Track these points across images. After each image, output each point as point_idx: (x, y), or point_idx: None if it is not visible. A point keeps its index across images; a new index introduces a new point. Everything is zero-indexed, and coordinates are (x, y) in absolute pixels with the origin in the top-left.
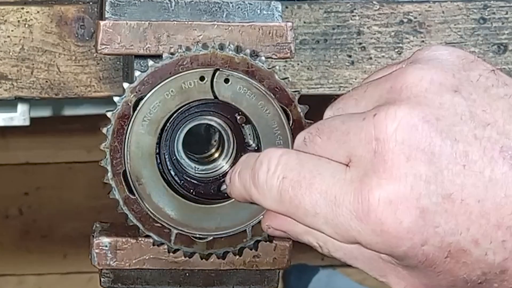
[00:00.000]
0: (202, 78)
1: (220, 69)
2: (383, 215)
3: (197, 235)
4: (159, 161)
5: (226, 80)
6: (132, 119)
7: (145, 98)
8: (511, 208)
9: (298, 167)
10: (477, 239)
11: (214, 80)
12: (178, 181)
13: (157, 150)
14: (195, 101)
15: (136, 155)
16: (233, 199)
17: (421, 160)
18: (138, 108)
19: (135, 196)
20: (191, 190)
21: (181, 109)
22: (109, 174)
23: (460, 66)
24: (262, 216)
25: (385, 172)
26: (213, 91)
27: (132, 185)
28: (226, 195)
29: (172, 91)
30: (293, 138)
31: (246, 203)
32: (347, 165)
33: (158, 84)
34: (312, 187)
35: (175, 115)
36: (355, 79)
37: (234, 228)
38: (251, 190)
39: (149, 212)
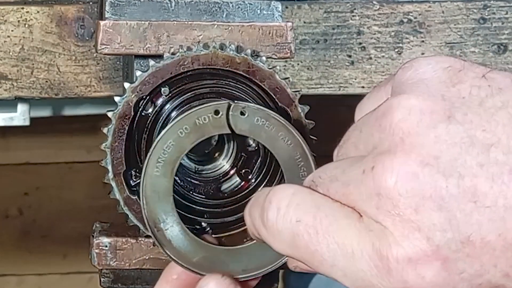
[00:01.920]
0: (216, 112)
1: (235, 102)
2: (404, 273)
3: None
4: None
5: (242, 113)
6: (146, 162)
7: (158, 138)
8: None
9: (313, 209)
10: (507, 272)
11: (230, 113)
12: (178, 181)
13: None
14: (210, 137)
15: (152, 199)
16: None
17: (431, 209)
18: (151, 149)
19: (155, 244)
20: (191, 191)
21: (181, 109)
22: (110, 174)
23: (447, 81)
24: None
25: (397, 229)
26: (229, 125)
27: (150, 232)
28: (226, 195)
29: (186, 128)
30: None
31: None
32: (359, 213)
33: (171, 120)
34: (329, 235)
35: (174, 113)
36: (355, 79)
37: (262, 269)
38: (260, 229)
39: (172, 259)
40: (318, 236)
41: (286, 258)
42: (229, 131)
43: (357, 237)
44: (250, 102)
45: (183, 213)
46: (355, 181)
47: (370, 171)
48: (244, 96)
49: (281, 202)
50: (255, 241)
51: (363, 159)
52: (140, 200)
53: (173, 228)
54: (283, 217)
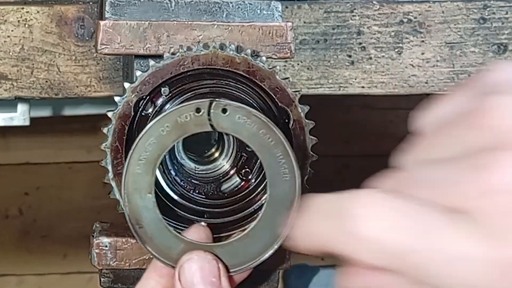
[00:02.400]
0: (198, 110)
1: (216, 100)
2: None
3: None
4: (159, 201)
5: (224, 110)
6: (128, 159)
7: (140, 136)
8: None
9: (412, 215)
10: None
11: (211, 111)
12: (179, 181)
13: (156, 190)
14: (193, 135)
15: (134, 197)
16: (240, 236)
17: None
18: (133, 147)
19: (137, 240)
20: (191, 191)
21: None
22: (110, 174)
23: None
24: (273, 250)
25: None
26: (210, 123)
27: (132, 229)
28: (226, 195)
29: (167, 126)
30: (299, 163)
31: (255, 238)
32: (468, 215)
33: (152, 119)
34: (435, 242)
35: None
36: (355, 79)
37: (244, 265)
38: (340, 242)
39: (153, 256)
40: (421, 244)
41: (269, 254)
42: (210, 129)
43: (468, 241)
44: (250, 102)
45: (183, 213)
46: (464, 181)
47: (482, 169)
48: (244, 96)
49: (374, 210)
50: (237, 237)
51: (466, 158)
52: (121, 198)
53: (154, 225)
54: (381, 227)
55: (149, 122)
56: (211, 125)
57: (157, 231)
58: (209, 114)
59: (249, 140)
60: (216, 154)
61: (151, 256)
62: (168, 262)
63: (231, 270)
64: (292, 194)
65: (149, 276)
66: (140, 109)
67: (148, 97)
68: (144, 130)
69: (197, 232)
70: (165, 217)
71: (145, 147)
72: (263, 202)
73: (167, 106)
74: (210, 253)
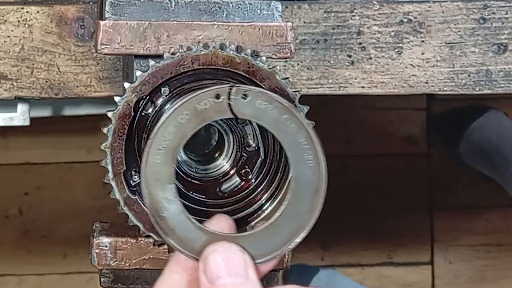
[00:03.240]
0: (217, 97)
1: (237, 85)
2: None
3: None
4: (180, 191)
5: (244, 96)
6: (147, 150)
7: (158, 125)
8: None
9: None
10: None
11: (231, 97)
12: (179, 182)
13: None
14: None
15: (154, 187)
16: (265, 225)
17: None
18: (151, 137)
19: (158, 232)
20: (191, 191)
21: None
22: (110, 174)
23: None
24: (300, 239)
25: None
26: (231, 109)
27: (154, 221)
28: (226, 195)
29: (186, 114)
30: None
31: (281, 227)
32: None
33: (171, 108)
34: None
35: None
36: (355, 79)
37: (268, 256)
38: None
39: (176, 248)
40: None
41: (295, 243)
42: (231, 116)
43: None
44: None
45: None
46: None
47: None
48: None
49: None
50: (261, 227)
51: None
52: (141, 189)
53: (176, 216)
54: None
55: (165, 112)
56: (232, 112)
57: (179, 222)
58: (229, 100)
59: (271, 126)
60: (216, 154)
61: (152, 256)
62: (191, 254)
63: (257, 261)
64: (317, 180)
65: (171, 269)
66: (140, 109)
67: (148, 97)
68: (162, 119)
69: (220, 223)
70: None
71: (164, 136)
72: (264, 199)
73: (167, 106)
74: (235, 244)
